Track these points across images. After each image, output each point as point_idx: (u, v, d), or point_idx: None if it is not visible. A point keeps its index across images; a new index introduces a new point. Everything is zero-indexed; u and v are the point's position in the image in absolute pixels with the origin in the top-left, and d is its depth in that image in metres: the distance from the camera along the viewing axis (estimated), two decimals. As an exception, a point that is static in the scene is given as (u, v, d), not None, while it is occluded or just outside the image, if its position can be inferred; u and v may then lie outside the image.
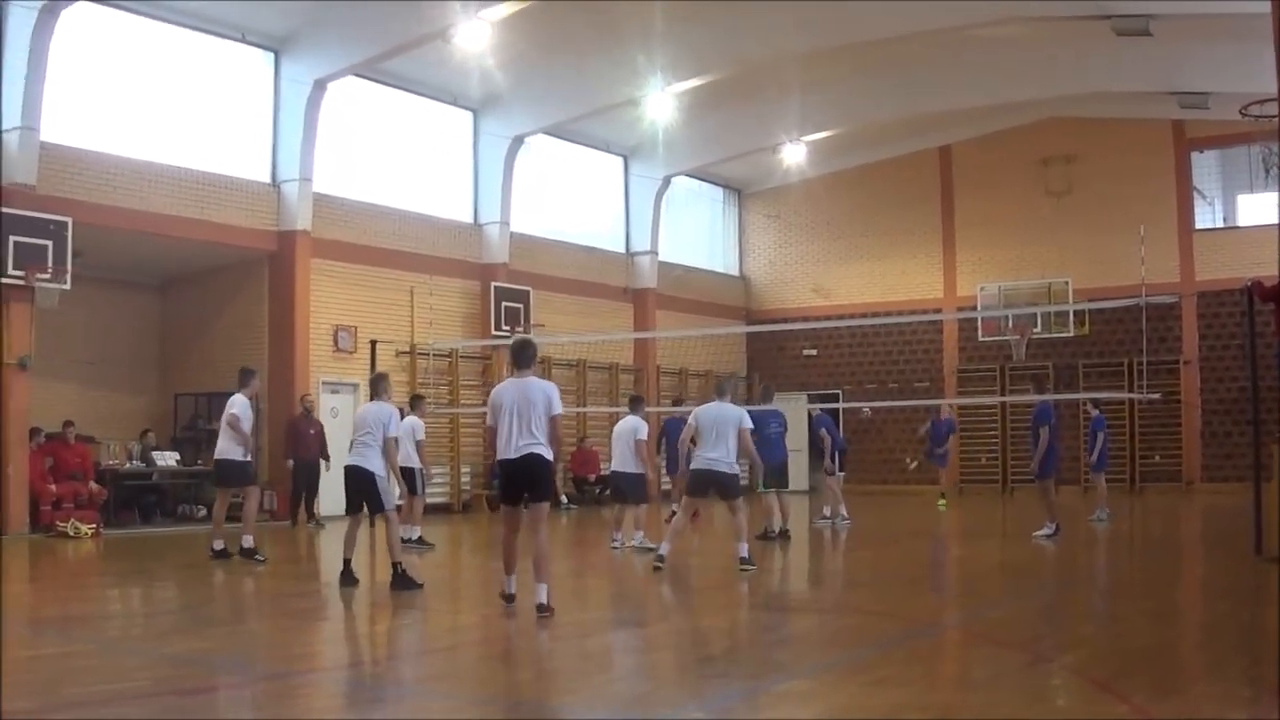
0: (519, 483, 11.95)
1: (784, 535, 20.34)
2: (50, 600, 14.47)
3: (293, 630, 12.16)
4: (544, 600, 11.54)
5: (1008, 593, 14.82)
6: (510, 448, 11.88)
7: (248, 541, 17.37)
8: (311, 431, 24.37)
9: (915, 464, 29.73)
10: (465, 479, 29.51)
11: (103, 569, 18.39)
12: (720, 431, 15.82)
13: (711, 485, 16.11)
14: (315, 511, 24.51)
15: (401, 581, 13.80)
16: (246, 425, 17.63)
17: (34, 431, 22.41)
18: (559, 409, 12.02)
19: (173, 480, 25.12)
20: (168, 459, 24.49)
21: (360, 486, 14.54)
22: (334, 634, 12.32)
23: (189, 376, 26.57)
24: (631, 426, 18.82)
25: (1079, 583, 15.87)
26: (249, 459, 18.07)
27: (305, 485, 24.43)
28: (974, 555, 19.71)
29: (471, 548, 22.13)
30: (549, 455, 11.97)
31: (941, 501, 28.69)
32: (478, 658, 10.71)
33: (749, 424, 16.09)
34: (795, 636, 11.55)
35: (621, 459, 18.93)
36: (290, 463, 24.30)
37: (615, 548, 18.87)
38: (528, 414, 11.84)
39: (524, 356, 12.29)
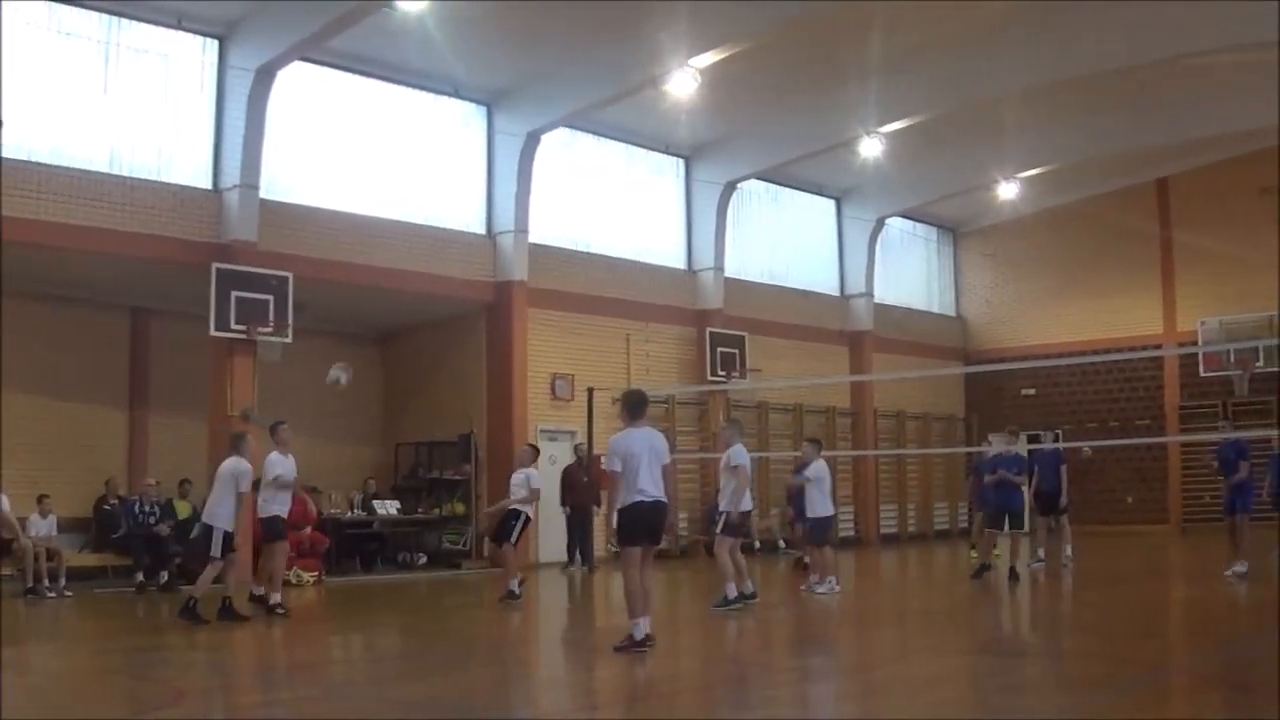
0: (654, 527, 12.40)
1: (1013, 575, 19.30)
2: (276, 648, 14.40)
3: (515, 677, 11.99)
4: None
5: (1237, 634, 13.68)
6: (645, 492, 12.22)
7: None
8: (585, 479, 24.06)
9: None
10: (683, 524, 28.70)
11: (325, 615, 18.27)
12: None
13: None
14: (590, 555, 24.24)
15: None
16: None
17: (258, 483, 22.23)
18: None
19: (394, 529, 24.84)
20: (389, 508, 24.22)
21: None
22: (553, 680, 12.02)
23: (409, 427, 26.30)
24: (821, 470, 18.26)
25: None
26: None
27: (580, 530, 24.18)
28: (1201, 596, 18.29)
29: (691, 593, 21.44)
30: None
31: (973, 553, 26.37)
32: (692, 704, 10.31)
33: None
34: (1022, 684, 10.74)
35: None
36: (566, 509, 24.18)
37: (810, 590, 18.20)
38: (656, 462, 12.30)
39: (641, 408, 12.71)
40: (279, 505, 17.01)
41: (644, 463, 12.18)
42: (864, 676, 11.46)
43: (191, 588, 16.05)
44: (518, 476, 18.21)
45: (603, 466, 13.40)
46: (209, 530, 15.73)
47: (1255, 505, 19.88)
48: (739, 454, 16.66)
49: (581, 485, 24.20)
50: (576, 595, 21.02)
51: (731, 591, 15.86)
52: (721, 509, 16.71)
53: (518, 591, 17.64)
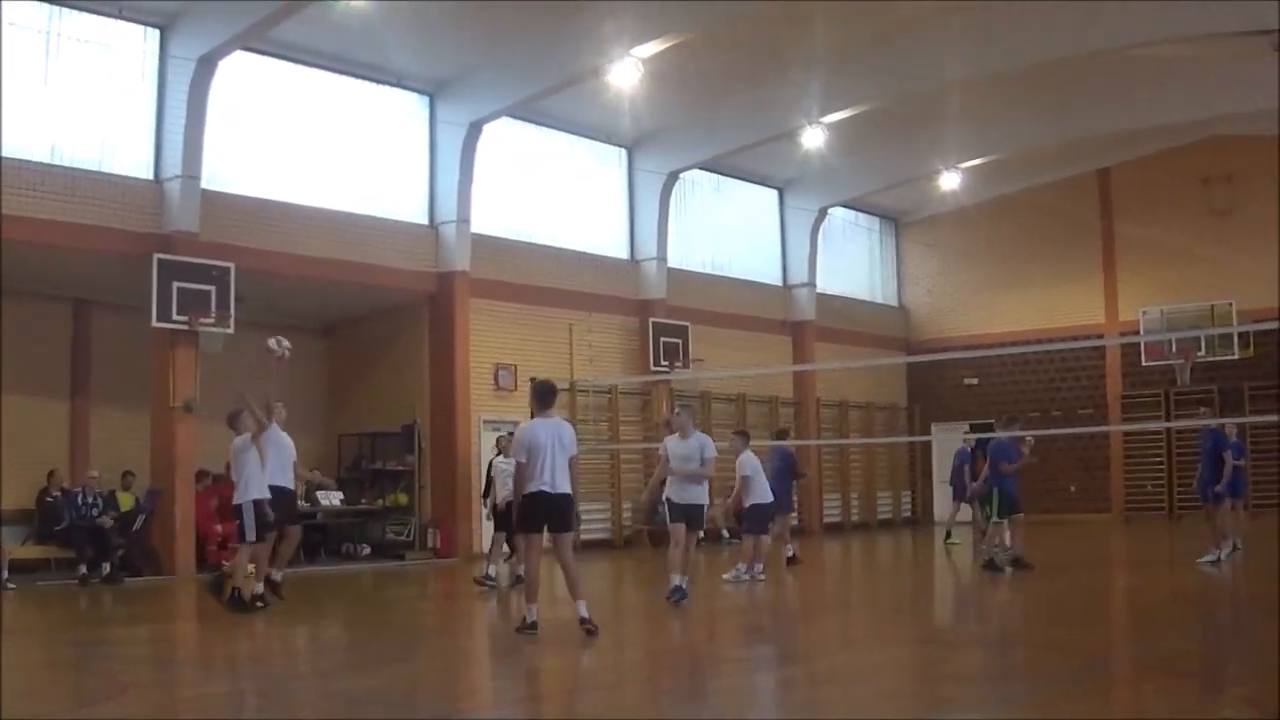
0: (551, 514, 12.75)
1: (1019, 564, 19.18)
2: (217, 640, 14.25)
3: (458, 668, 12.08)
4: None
5: (1179, 623, 13.83)
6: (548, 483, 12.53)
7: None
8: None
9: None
10: (626, 515, 28.85)
11: (270, 608, 18.02)
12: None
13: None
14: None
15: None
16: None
17: (200, 474, 22.25)
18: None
19: (337, 519, 24.85)
20: (332, 499, 24.20)
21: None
22: (498, 671, 11.95)
23: (352, 418, 26.32)
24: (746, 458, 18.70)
25: (1259, 612, 14.66)
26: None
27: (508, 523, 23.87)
28: (1144, 585, 18.50)
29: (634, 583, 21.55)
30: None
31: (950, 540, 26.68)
32: (644, 694, 10.36)
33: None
34: (965, 672, 10.85)
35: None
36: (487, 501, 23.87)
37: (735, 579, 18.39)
38: (563, 454, 12.57)
39: (549, 397, 13.02)
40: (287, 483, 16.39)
41: (549, 454, 12.47)
42: (807, 668, 11.53)
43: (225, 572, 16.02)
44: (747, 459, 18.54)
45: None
46: (239, 511, 15.58)
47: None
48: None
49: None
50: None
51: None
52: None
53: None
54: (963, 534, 25.91)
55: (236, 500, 15.61)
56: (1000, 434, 19.77)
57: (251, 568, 15.65)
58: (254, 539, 15.42)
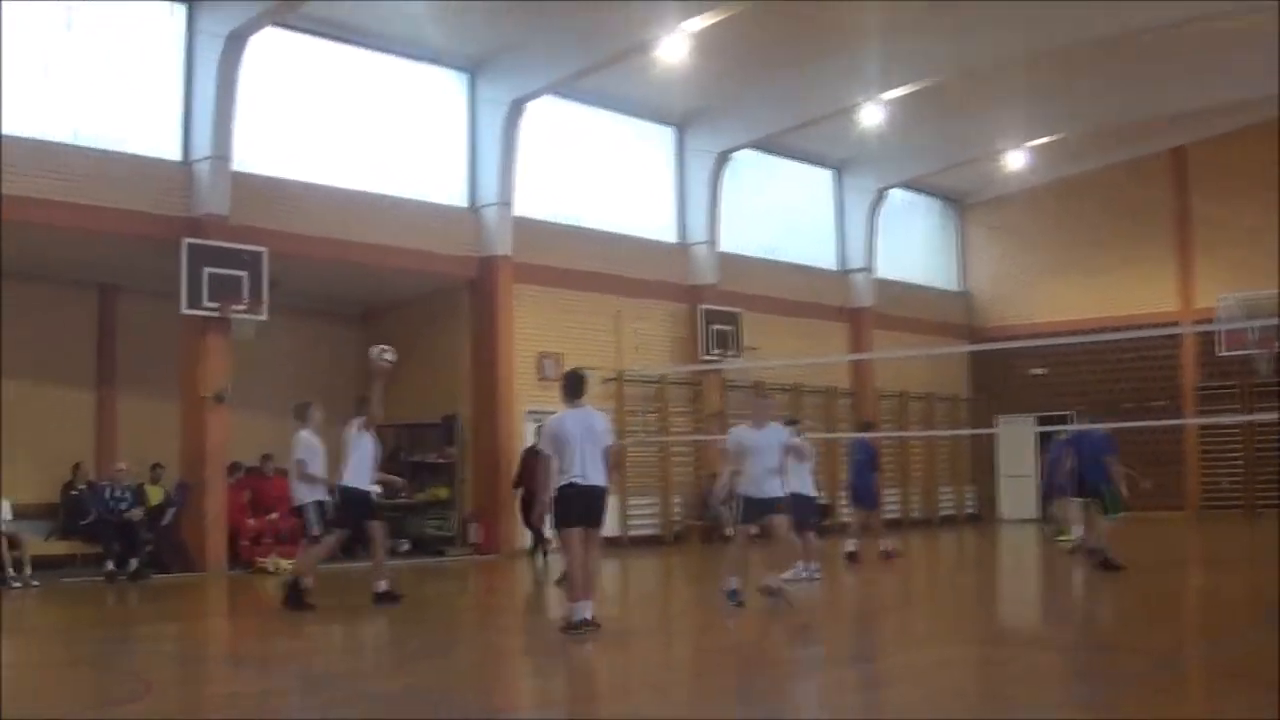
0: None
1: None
2: (250, 637, 14.56)
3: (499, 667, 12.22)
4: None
5: (1257, 625, 13.64)
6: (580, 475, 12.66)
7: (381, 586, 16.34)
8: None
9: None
10: (676, 509, 28.83)
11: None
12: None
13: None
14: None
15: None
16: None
17: (233, 466, 22.37)
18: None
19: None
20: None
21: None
22: (537, 669, 12.08)
23: (390, 408, 26.01)
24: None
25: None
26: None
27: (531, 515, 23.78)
28: (1221, 585, 18.45)
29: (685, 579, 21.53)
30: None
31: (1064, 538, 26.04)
32: (693, 695, 10.33)
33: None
34: (1028, 673, 10.88)
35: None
36: (522, 493, 23.86)
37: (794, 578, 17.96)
38: (593, 445, 12.73)
39: (579, 388, 13.20)
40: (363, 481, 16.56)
41: (578, 445, 12.62)
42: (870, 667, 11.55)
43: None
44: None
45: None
46: (301, 511, 16.04)
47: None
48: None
49: (535, 468, 23.55)
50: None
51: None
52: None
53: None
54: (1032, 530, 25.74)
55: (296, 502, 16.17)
56: (1091, 427, 19.63)
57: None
58: (319, 535, 16.02)
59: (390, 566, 17.08)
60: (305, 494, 16.35)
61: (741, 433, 15.44)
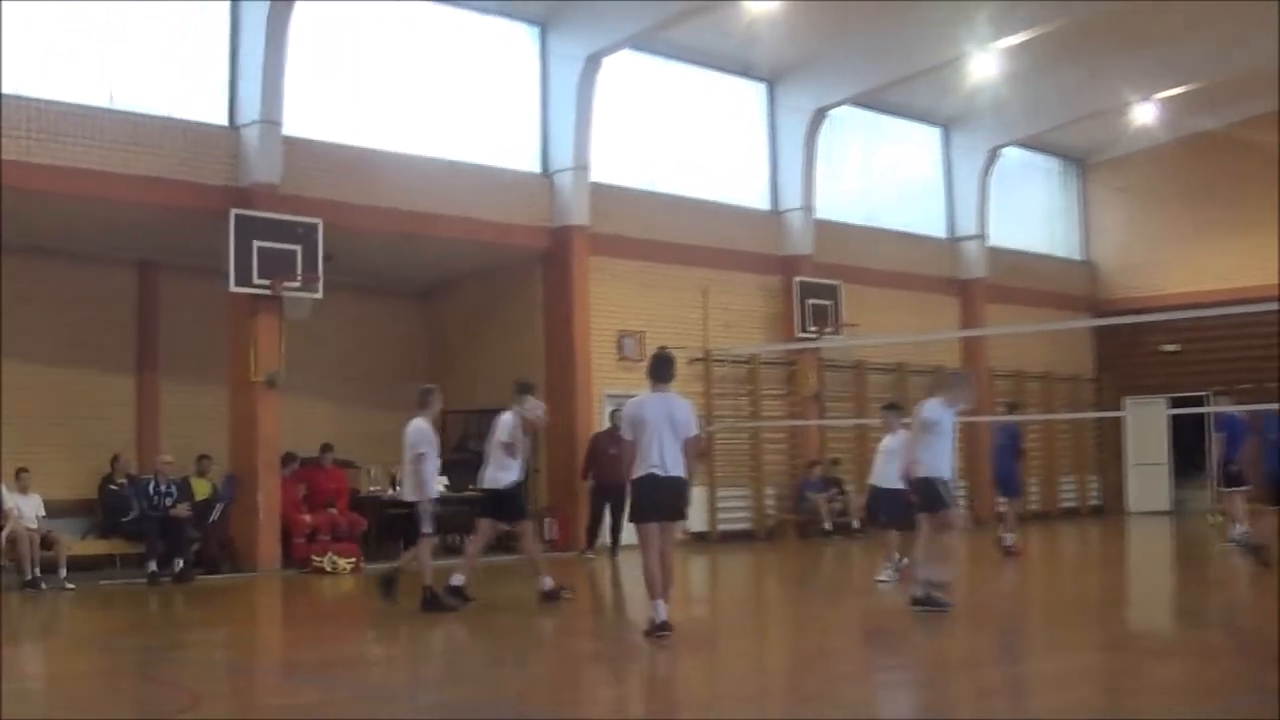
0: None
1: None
2: (306, 644, 14.57)
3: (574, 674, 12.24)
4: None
5: None
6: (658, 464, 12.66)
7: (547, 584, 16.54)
8: (612, 451, 23.51)
9: None
10: (769, 502, 28.60)
11: (365, 607, 18.30)
12: None
13: None
14: (618, 539, 23.54)
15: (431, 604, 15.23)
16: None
17: (287, 457, 22.32)
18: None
19: (441, 507, 24.76)
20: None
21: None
22: (619, 677, 12.12)
23: (457, 392, 26.11)
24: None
25: None
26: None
27: (610, 510, 23.58)
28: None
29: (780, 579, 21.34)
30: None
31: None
32: (784, 706, 10.35)
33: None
34: (1160, 685, 10.70)
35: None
36: (591, 484, 23.75)
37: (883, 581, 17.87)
38: (673, 434, 12.74)
39: (664, 370, 13.15)
40: (509, 472, 16.61)
41: (657, 433, 12.66)
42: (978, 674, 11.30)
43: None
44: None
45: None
46: (414, 507, 16.07)
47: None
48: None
49: (608, 457, 23.01)
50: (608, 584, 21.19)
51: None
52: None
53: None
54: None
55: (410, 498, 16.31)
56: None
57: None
58: (430, 532, 16.19)
59: (449, 566, 16.97)
60: (424, 490, 16.15)
61: (935, 409, 15.09)
